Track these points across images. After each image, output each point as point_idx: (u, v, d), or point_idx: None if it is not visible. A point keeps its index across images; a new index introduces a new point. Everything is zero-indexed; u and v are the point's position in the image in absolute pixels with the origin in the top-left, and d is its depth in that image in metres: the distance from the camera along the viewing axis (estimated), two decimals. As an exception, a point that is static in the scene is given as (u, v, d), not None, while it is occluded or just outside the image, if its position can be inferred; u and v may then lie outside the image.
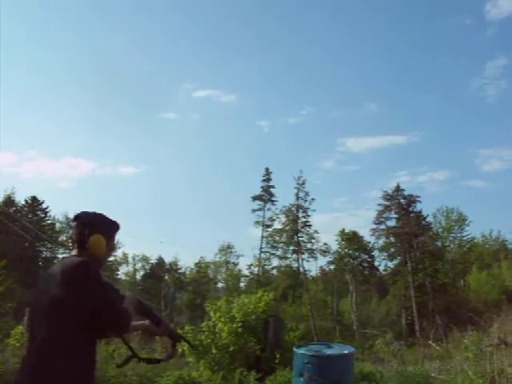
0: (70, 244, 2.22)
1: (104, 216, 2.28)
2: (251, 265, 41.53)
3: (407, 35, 70.08)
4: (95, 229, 2.16)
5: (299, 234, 38.95)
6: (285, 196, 76.60)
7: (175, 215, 65.90)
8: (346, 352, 5.07)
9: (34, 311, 2.09)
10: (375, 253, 42.46)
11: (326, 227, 60.93)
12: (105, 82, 79.75)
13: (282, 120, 68.62)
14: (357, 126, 69.28)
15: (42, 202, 40.03)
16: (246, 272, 44.78)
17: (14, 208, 37.90)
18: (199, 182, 68.10)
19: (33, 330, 2.04)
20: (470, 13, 69.57)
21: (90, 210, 2.30)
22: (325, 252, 40.50)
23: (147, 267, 50.51)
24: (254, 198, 40.27)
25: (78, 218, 2.22)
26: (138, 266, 51.17)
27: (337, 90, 72.60)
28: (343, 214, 66.09)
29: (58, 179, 69.59)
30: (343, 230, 42.15)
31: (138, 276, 51.59)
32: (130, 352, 2.28)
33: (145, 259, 50.27)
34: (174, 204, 68.94)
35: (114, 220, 2.32)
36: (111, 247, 2.28)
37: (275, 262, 41.85)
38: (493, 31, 66.52)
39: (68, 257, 2.22)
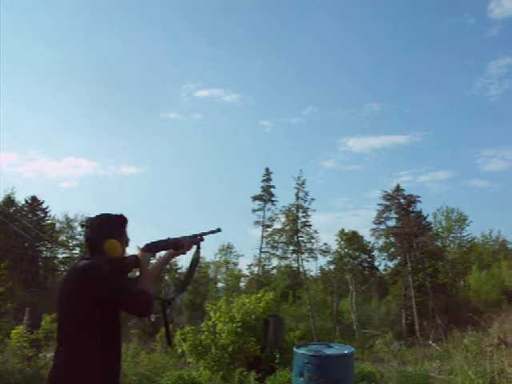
0: (86, 250, 2.32)
1: (109, 216, 2.32)
2: (251, 265, 41.54)
3: (409, 34, 69.94)
4: (106, 233, 2.22)
5: (299, 234, 38.94)
6: (285, 196, 76.64)
7: (176, 215, 65.82)
8: (345, 352, 5.06)
9: (56, 315, 2.21)
10: (375, 253, 42.53)
11: (328, 227, 60.79)
12: (106, 82, 79.68)
13: (284, 120, 68.47)
14: (359, 126, 68.98)
15: (42, 202, 40.03)
16: (246, 272, 44.79)
17: (14, 208, 37.88)
18: (200, 181, 67.87)
19: (57, 333, 2.16)
20: (472, 12, 69.37)
21: (94, 213, 2.34)
22: (325, 252, 40.49)
23: (147, 267, 50.36)
24: (254, 198, 40.22)
25: (86, 225, 2.29)
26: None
27: (339, 89, 72.44)
28: (344, 214, 65.86)
29: (59, 179, 69.43)
30: (343, 229, 42.22)
31: (138, 276, 51.49)
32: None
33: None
34: (174, 203, 68.84)
35: (119, 215, 2.36)
36: (125, 242, 2.35)
37: (275, 262, 41.87)
38: (496, 30, 66.13)
39: (80, 260, 2.28)
